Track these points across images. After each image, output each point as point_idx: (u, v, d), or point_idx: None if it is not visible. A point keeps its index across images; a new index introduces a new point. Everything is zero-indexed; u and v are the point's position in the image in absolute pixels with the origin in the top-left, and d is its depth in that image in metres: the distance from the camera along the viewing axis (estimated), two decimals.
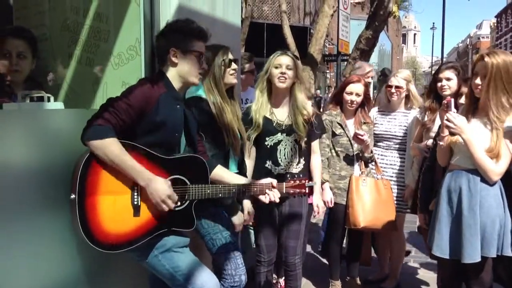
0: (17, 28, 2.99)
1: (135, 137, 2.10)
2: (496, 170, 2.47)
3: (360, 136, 3.36)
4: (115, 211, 2.03)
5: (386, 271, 4.04)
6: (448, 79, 3.36)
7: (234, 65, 2.66)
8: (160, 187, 2.05)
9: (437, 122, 3.35)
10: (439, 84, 3.39)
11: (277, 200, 2.41)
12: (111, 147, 1.97)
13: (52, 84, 3.05)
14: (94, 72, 2.91)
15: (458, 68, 3.40)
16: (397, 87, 3.72)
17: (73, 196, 1.96)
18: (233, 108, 2.67)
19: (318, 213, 3.14)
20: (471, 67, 2.74)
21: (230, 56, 2.65)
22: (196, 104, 2.55)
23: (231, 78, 2.66)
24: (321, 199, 3.20)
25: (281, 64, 2.92)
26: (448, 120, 2.49)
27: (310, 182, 2.60)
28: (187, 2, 2.85)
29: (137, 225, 2.08)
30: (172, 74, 2.23)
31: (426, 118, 3.47)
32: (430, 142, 3.35)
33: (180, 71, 2.22)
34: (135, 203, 2.07)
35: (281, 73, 2.90)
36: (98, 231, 1.99)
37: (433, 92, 3.48)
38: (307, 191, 2.56)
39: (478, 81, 2.50)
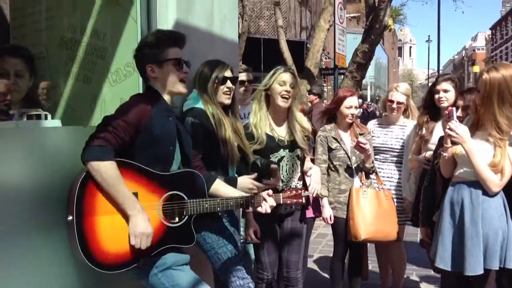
0: (14, 47, 2.99)
1: (135, 153, 2.09)
2: (496, 181, 2.47)
3: (362, 145, 3.35)
4: (113, 230, 2.00)
5: (388, 285, 4.00)
6: (445, 91, 3.36)
7: (229, 83, 2.62)
8: (142, 224, 2.01)
9: (435, 133, 3.35)
10: (436, 96, 3.39)
11: (269, 211, 2.37)
12: (108, 171, 1.95)
13: (49, 102, 3.04)
14: (92, 89, 2.90)
15: (455, 80, 3.40)
16: (398, 102, 3.70)
17: (70, 217, 1.93)
18: (232, 122, 2.65)
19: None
20: (472, 80, 2.77)
21: (226, 74, 2.63)
22: (195, 115, 2.54)
23: (223, 97, 2.62)
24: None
25: (285, 81, 2.88)
26: (450, 129, 2.49)
27: (306, 192, 2.58)
28: (184, 18, 2.86)
29: None
30: (158, 87, 2.24)
31: (424, 131, 3.46)
32: (428, 154, 3.34)
33: (162, 83, 2.23)
34: None
35: (286, 91, 2.87)
36: (98, 252, 1.96)
37: (429, 104, 3.47)
38: (304, 201, 2.55)
39: (478, 98, 2.51)
